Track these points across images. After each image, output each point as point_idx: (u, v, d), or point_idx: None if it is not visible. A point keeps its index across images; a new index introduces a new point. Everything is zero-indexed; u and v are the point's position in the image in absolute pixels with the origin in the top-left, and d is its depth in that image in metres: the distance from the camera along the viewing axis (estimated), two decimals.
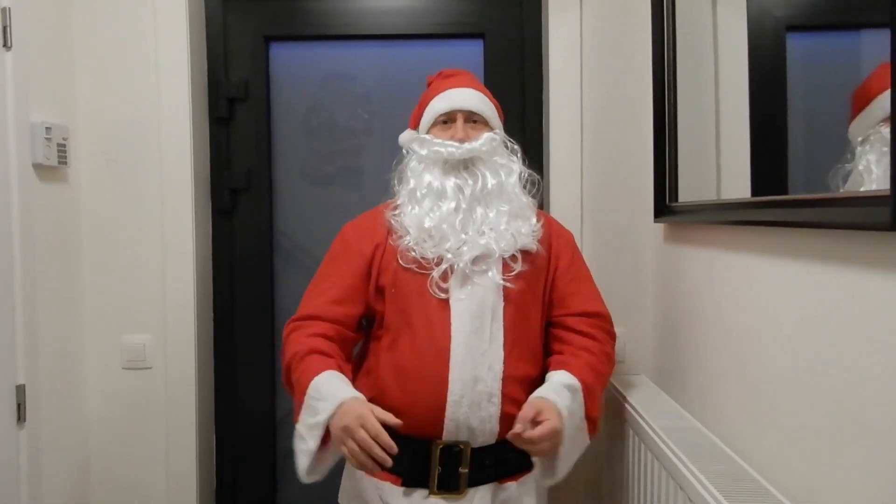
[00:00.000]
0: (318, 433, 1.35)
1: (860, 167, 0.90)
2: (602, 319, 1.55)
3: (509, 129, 1.64)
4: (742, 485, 1.07)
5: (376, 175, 2.09)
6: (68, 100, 1.86)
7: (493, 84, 2.03)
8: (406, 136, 1.63)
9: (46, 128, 1.69)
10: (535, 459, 1.42)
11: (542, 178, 1.96)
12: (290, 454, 2.13)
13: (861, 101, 0.90)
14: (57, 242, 1.80)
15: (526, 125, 2.04)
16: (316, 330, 1.46)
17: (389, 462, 1.29)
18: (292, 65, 2.12)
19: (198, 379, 1.96)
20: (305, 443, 1.38)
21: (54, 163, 1.73)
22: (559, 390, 1.40)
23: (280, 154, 2.13)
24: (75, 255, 1.89)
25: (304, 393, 1.38)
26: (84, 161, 1.91)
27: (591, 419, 1.44)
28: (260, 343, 2.10)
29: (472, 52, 2.06)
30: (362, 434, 1.28)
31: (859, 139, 0.91)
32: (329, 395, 1.36)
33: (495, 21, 2.05)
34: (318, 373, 1.38)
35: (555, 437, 1.34)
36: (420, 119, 1.61)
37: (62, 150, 1.76)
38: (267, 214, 2.09)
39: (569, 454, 1.40)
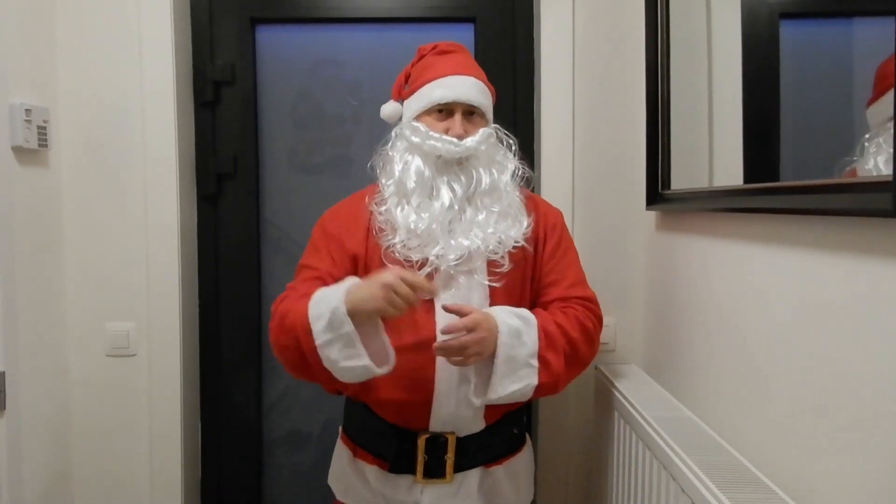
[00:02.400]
0: (343, 312, 1.26)
1: (880, 162, 0.87)
2: (586, 300, 1.49)
3: (500, 116, 1.61)
4: (735, 475, 1.06)
5: (365, 164, 2.05)
6: (49, 82, 1.82)
7: (484, 69, 2.00)
8: (390, 110, 1.55)
9: (26, 109, 1.64)
10: (471, 374, 1.37)
11: (533, 165, 1.96)
12: (276, 444, 2.14)
13: (883, 84, 0.85)
14: (37, 227, 1.76)
15: (517, 112, 2.02)
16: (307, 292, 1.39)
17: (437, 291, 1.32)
18: (280, 49, 2.08)
19: (182, 367, 1.93)
20: (339, 334, 1.27)
21: (34, 146, 1.68)
22: (507, 311, 1.37)
23: (267, 141, 2.09)
24: (57, 240, 1.85)
25: (304, 316, 1.30)
26: (65, 144, 1.87)
27: (544, 361, 1.36)
28: (246, 332, 2.07)
29: (463, 37, 2.02)
30: (406, 289, 1.24)
31: (873, 131, 0.88)
32: (331, 291, 1.31)
33: (487, 5, 2.02)
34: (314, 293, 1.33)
35: (481, 334, 1.29)
36: (405, 93, 1.53)
37: (42, 132, 1.72)
38: (254, 202, 2.06)
39: (504, 379, 1.33)
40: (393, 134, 1.51)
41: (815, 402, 0.98)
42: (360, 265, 1.46)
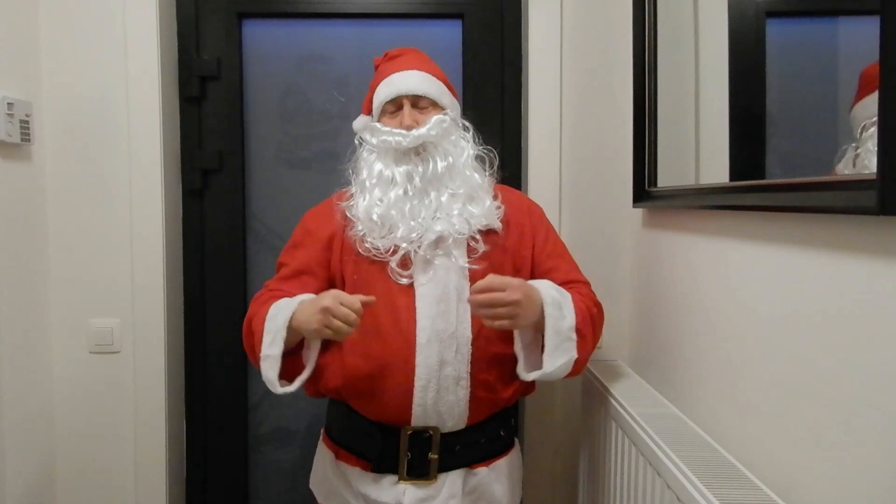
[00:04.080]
0: (282, 336, 1.37)
1: (865, 152, 0.88)
2: (584, 283, 1.53)
3: (487, 112, 1.61)
4: (721, 471, 1.06)
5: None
6: (32, 75, 1.80)
7: (472, 66, 2.01)
8: (359, 123, 1.60)
9: (8, 103, 1.62)
10: (518, 348, 1.39)
11: (520, 162, 1.96)
12: (262, 440, 2.13)
13: (869, 84, 0.87)
14: (20, 223, 1.74)
15: (505, 108, 2.01)
16: (275, 294, 1.48)
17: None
18: (267, 44, 2.07)
19: (167, 363, 1.92)
20: (270, 354, 1.38)
21: (17, 140, 1.66)
22: (544, 283, 1.40)
23: (253, 136, 2.08)
24: (40, 235, 1.83)
25: (262, 325, 1.41)
26: (49, 139, 1.85)
27: (581, 334, 1.37)
28: (232, 328, 2.06)
29: (450, 33, 2.03)
30: (343, 310, 1.29)
31: (863, 124, 0.89)
32: (284, 304, 1.40)
33: (475, 1, 2.02)
34: (272, 305, 1.43)
35: (514, 294, 1.29)
36: (371, 104, 1.58)
37: (25, 126, 1.70)
38: (239, 197, 2.05)
39: (554, 351, 1.35)
40: (356, 141, 1.56)
41: (800, 398, 0.99)
42: (336, 257, 1.49)
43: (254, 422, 2.13)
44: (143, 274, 1.88)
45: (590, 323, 1.42)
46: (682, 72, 1.54)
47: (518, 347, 1.40)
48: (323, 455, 1.55)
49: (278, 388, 1.39)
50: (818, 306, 0.95)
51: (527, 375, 1.39)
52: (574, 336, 1.36)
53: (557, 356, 1.35)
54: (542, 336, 1.39)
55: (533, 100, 1.91)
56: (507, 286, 1.30)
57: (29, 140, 1.72)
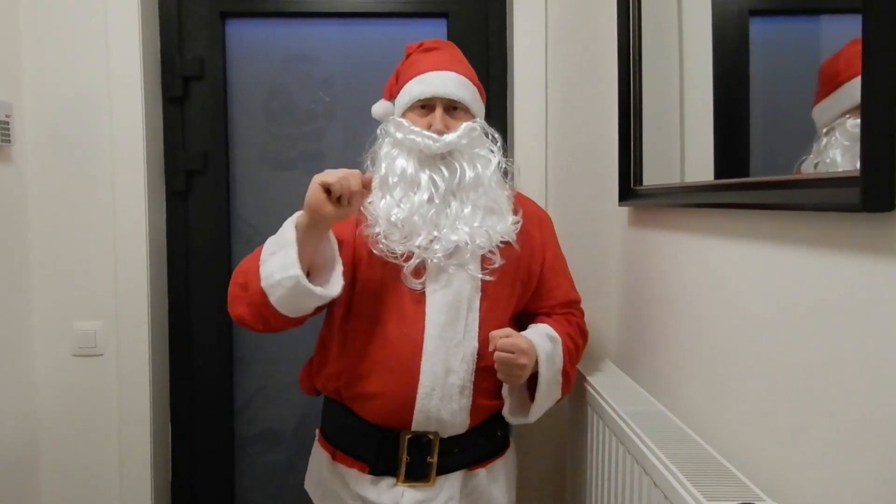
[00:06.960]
0: (290, 225, 1.32)
1: (826, 160, 0.89)
2: (578, 303, 1.60)
3: None
4: (708, 469, 1.06)
5: (338, 160, 2.04)
6: (13, 76, 1.78)
7: None
8: (380, 109, 1.56)
9: None
10: (506, 393, 1.45)
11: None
12: (249, 443, 2.11)
13: (829, 82, 0.88)
14: (1, 225, 1.72)
15: (490, 107, 2.00)
16: None
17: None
18: (250, 44, 2.05)
19: (151, 366, 1.90)
20: (281, 239, 1.32)
21: None
22: (541, 335, 1.44)
23: (238, 136, 2.06)
24: (22, 238, 1.81)
25: (257, 255, 1.37)
26: (30, 140, 1.82)
27: (566, 375, 1.47)
28: (217, 330, 2.05)
29: (435, 32, 2.02)
30: (337, 171, 1.29)
31: (824, 130, 0.89)
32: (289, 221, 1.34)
33: (459, 0, 2.01)
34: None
35: (523, 359, 1.36)
36: (395, 91, 1.53)
37: (5, 127, 1.68)
38: (224, 198, 2.03)
39: (542, 400, 1.44)
40: (379, 131, 1.51)
41: (785, 394, 0.99)
42: (349, 256, 1.43)
43: (240, 424, 2.12)
44: (126, 276, 1.87)
45: (575, 359, 1.52)
46: (666, 70, 1.54)
47: (505, 392, 1.45)
48: (319, 456, 1.53)
49: (295, 269, 1.27)
50: (803, 303, 0.95)
51: (512, 419, 1.48)
52: (560, 379, 1.46)
53: (544, 405, 1.46)
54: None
55: (518, 99, 1.91)
56: (517, 349, 1.36)
57: (9, 141, 1.70)
